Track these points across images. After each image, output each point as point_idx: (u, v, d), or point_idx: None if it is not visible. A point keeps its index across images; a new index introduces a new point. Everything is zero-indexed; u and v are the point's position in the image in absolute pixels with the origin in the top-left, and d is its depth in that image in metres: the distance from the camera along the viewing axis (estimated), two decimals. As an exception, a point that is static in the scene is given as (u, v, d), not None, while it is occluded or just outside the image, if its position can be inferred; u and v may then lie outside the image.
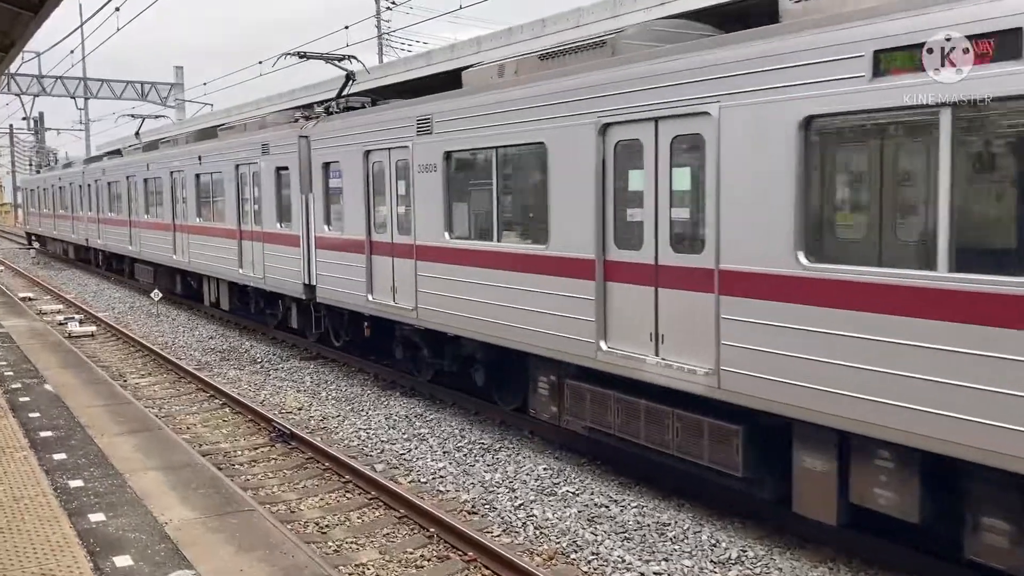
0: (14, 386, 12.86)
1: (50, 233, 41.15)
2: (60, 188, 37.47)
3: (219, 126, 21.91)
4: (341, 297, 14.45)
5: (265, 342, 18.61)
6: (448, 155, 11.34)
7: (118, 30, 26.32)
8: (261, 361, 16.74)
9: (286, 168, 15.93)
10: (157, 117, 31.42)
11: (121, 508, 7.73)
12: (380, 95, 18.13)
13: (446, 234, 11.47)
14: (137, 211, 25.70)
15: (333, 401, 13.45)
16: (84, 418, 10.97)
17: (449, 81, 15.71)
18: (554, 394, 9.92)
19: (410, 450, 10.78)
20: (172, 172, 22.27)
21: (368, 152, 13.24)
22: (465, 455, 10.49)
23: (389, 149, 12.69)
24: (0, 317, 20.51)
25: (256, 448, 11.22)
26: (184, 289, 23.72)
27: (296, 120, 16.66)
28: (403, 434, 11.46)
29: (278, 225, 16.47)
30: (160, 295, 23.09)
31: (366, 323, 14.43)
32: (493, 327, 10.54)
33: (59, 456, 9.32)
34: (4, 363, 14.72)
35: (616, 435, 8.94)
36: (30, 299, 26.24)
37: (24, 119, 64.41)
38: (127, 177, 26.58)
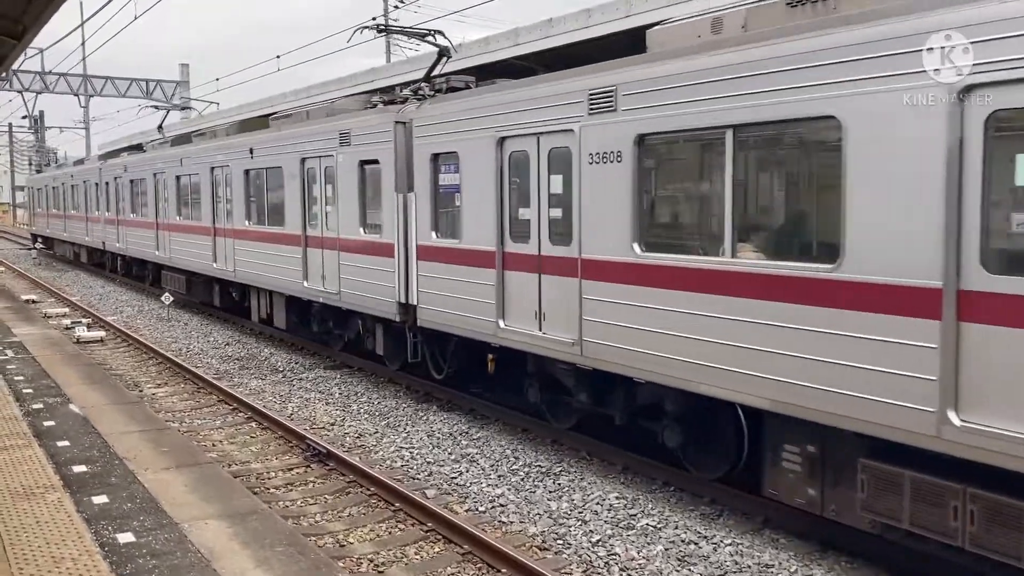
0: (35, 406, 11.41)
1: (59, 235, 38.59)
2: (72, 187, 34.80)
3: (271, 115, 18.99)
4: (454, 321, 11.43)
5: (285, 349, 17.69)
6: (641, 139, 8.50)
7: (123, 29, 25.39)
8: (283, 370, 15.82)
9: (375, 162, 13.07)
10: (183, 108, 29.32)
11: (187, 574, 6.39)
12: (481, 75, 14.30)
13: (634, 246, 8.54)
14: (167, 212, 22.87)
15: (366, 415, 12.53)
16: (121, 447, 9.50)
17: (589, 52, 13.63)
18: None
19: (460, 473, 9.86)
20: (213, 168, 19.46)
21: (503, 140, 10.30)
22: (523, 479, 9.57)
23: (537, 135, 9.77)
24: (11, 324, 19.19)
25: (290, 469, 10.30)
26: (223, 301, 20.81)
27: (375, 104, 14.38)
28: (449, 454, 10.54)
29: (361, 231, 13.57)
30: (171, 299, 21.87)
31: (491, 356, 11.41)
32: (697, 371, 7.94)
33: (100, 499, 7.84)
34: (22, 378, 13.22)
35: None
36: (34, 302, 25.29)
37: (24, 118, 63.35)
38: (154, 174, 23.81)
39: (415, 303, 12.28)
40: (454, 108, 11.57)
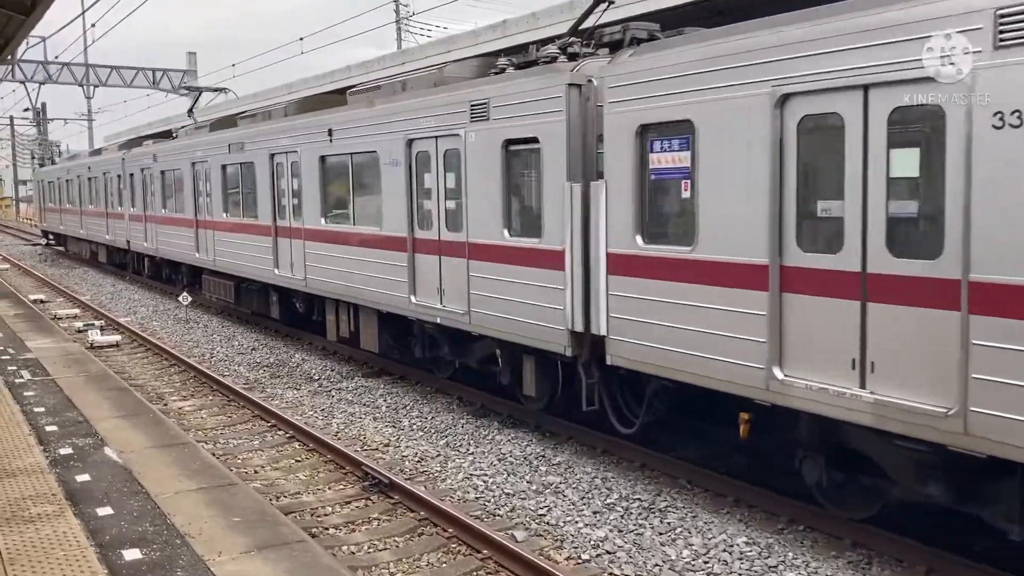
0: (63, 451, 8.98)
1: (74, 232, 35.14)
2: (90, 179, 31.36)
3: (349, 88, 15.40)
4: (681, 363, 8.14)
5: (317, 355, 16.35)
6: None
7: (125, 18, 23.93)
8: (319, 379, 14.49)
9: (531, 141, 9.85)
10: (217, 91, 26.56)
11: None
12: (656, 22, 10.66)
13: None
14: (209, 208, 19.70)
15: (421, 433, 11.20)
16: (180, 516, 7.10)
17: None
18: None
19: (548, 508, 8.53)
20: (273, 155, 16.25)
21: (786, 98, 7.00)
22: (623, 516, 8.24)
23: (865, 86, 6.44)
24: (24, 335, 16.65)
25: (348, 502, 8.97)
26: (284, 313, 17.49)
27: (501, 69, 11.07)
28: (529, 483, 9.21)
29: (505, 234, 10.37)
30: (189, 299, 20.48)
31: (745, 419, 8.09)
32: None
33: (170, 613, 5.91)
34: (43, 409, 10.76)
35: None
36: (42, 301, 23.98)
37: (26, 110, 61.94)
38: (192, 164, 20.60)
39: (602, 333, 9.04)
40: (694, 55, 7.93)
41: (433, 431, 11.26)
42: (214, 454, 10.12)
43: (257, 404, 12.52)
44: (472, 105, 10.72)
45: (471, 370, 12.49)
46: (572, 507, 8.50)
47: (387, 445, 10.75)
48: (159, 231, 23.81)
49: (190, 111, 27.26)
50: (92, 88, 45.22)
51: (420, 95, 12.07)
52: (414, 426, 11.53)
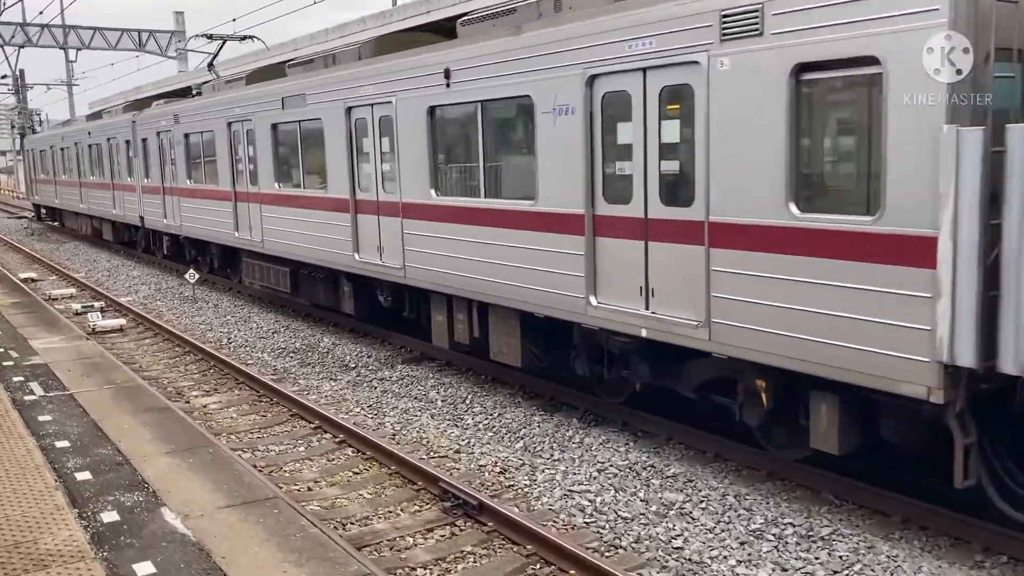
0: (107, 516, 6.59)
1: (72, 206, 31.60)
2: (91, 147, 27.74)
3: (460, 17, 11.87)
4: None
5: (348, 338, 14.72)
6: None
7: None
8: (355, 366, 12.90)
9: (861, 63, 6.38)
10: (244, 39, 23.09)
11: None
12: None
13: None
14: (254, 177, 16.28)
15: (491, 433, 9.66)
16: None
17: None
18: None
19: (680, 533, 7.01)
20: (350, 109, 12.77)
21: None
22: (779, 548, 6.73)
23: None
24: (26, 331, 14.03)
25: (430, 529, 7.41)
26: (361, 308, 14.20)
27: None
28: (645, 502, 7.67)
29: (793, 210, 6.87)
30: (197, 276, 18.74)
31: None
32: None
33: None
34: (66, 444, 8.31)
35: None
36: (33, 280, 22.22)
37: (3, 77, 59.34)
38: (229, 124, 16.99)
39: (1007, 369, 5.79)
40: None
41: (504, 431, 9.71)
42: (256, 466, 8.56)
43: (293, 400, 10.92)
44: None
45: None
46: (711, 536, 6.98)
47: (457, 451, 9.19)
48: (183, 205, 20.23)
49: (210, 64, 23.13)
50: (75, 52, 42.92)
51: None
52: (480, 425, 9.98)
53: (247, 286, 18.02)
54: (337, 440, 9.67)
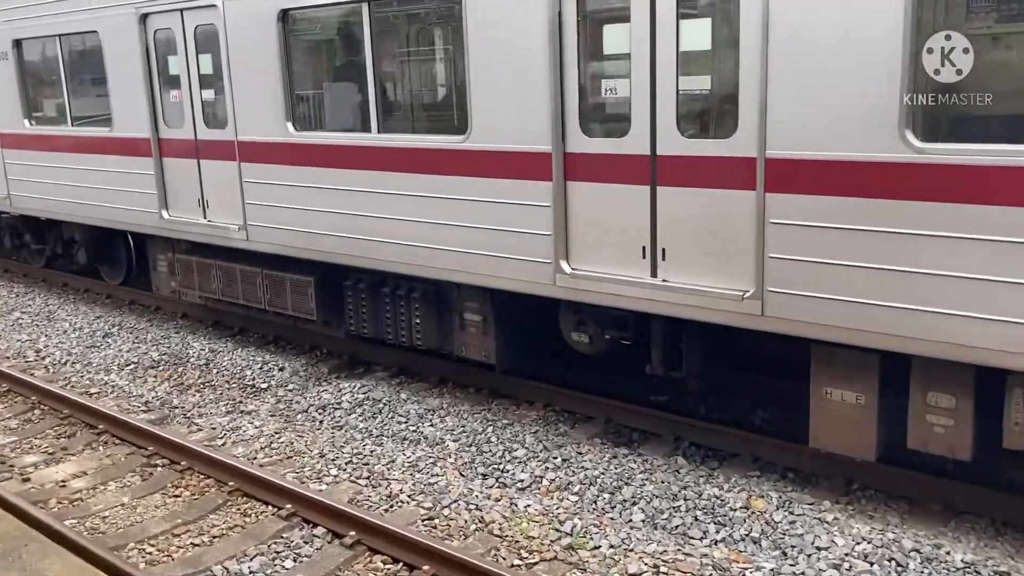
0: None
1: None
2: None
3: None
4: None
5: (223, 336, 10.43)
6: None
7: None
8: (266, 385, 8.83)
9: None
10: None
11: None
12: None
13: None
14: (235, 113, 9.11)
15: (576, 497, 6.25)
16: None
17: None
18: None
19: None
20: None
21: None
22: None
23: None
24: None
25: None
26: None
27: None
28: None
29: None
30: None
31: None
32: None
33: None
34: None
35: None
36: None
37: None
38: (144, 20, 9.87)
39: None
40: None
41: (589, 486, 6.34)
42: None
43: (226, 466, 6.83)
44: None
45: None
46: None
47: (585, 550, 5.67)
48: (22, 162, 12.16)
49: None
50: None
51: None
52: (546, 480, 6.52)
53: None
54: (366, 551, 5.79)
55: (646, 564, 5.38)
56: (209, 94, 8.98)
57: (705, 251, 5.64)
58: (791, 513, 5.86)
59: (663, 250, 5.88)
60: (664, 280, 5.92)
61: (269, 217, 8.59)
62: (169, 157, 9.54)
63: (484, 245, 6.85)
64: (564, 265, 6.44)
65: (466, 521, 6.02)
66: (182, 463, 7.06)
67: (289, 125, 8.12)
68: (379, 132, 7.37)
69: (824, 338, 5.26)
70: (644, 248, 5.96)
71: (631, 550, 5.55)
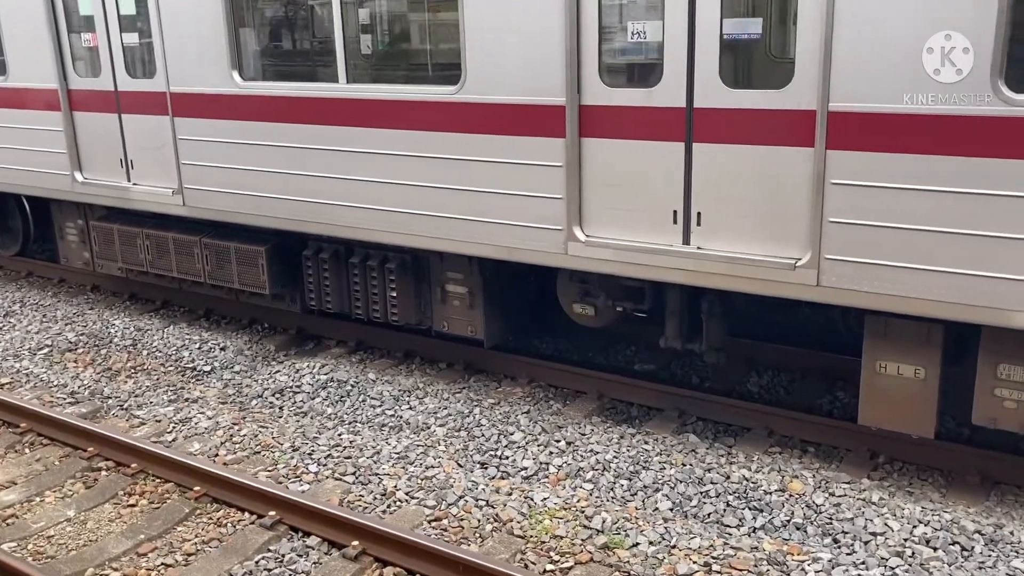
0: None
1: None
2: None
3: None
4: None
5: (146, 312, 9.35)
6: None
7: None
8: (210, 367, 7.89)
9: None
10: None
11: None
12: None
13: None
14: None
15: (601, 489, 5.70)
16: None
17: None
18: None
19: None
20: None
21: None
22: None
23: None
24: None
25: None
26: None
27: None
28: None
29: None
30: None
31: None
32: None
33: None
34: None
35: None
36: None
37: None
38: None
39: None
40: None
41: (607, 473, 5.80)
42: None
43: (185, 467, 5.95)
44: None
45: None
46: None
47: (606, 546, 5.12)
48: None
49: None
50: None
51: None
52: (564, 466, 5.95)
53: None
54: (365, 557, 5.08)
55: (695, 563, 4.87)
56: (132, 38, 7.80)
57: (749, 215, 5.08)
58: (832, 495, 5.46)
59: (698, 214, 5.28)
60: (699, 247, 5.33)
61: (211, 180, 7.55)
62: (82, 111, 8.30)
63: (480, 211, 6.11)
64: (578, 232, 5.76)
65: (479, 520, 5.38)
66: (132, 465, 6.13)
67: (235, 74, 7.09)
68: (348, 82, 6.48)
69: (893, 310, 4.80)
70: (675, 212, 5.34)
71: (674, 546, 5.03)
